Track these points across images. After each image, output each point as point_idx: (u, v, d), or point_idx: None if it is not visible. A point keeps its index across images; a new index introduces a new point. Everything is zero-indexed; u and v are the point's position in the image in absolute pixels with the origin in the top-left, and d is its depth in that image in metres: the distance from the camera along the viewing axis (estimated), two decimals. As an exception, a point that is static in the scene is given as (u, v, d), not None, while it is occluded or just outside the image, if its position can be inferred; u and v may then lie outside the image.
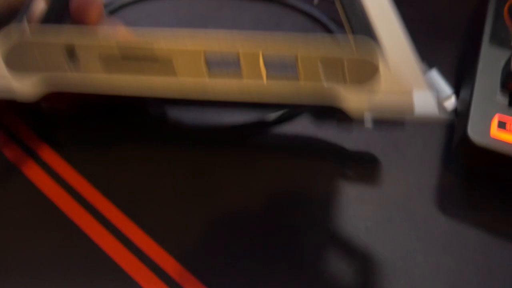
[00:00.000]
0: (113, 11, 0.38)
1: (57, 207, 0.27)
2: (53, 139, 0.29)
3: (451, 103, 0.34)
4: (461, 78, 0.36)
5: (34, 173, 0.28)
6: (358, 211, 0.29)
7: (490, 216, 0.29)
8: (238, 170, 0.29)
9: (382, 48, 0.22)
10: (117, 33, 0.29)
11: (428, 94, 0.22)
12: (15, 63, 0.20)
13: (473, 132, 0.27)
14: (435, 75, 0.35)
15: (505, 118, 0.27)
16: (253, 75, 0.21)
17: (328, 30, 0.40)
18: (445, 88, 0.34)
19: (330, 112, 0.23)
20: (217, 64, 0.21)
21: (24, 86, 0.20)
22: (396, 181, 0.30)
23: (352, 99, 0.21)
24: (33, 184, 0.27)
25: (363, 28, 0.22)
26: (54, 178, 0.28)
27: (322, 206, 0.29)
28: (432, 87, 0.33)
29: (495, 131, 0.27)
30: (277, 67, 0.21)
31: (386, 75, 0.21)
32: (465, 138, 0.27)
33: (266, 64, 0.21)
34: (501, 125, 0.27)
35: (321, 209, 0.28)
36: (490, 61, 0.31)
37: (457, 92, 0.35)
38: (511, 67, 0.29)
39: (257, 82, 0.21)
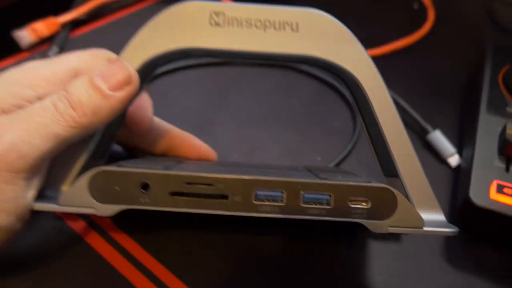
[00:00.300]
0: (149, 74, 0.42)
1: (118, 272, 0.30)
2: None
3: (454, 160, 0.38)
4: (463, 137, 0.39)
5: (96, 241, 0.31)
6: (375, 265, 0.32)
7: (494, 268, 0.32)
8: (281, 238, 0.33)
9: (402, 179, 0.28)
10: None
11: (441, 215, 0.27)
12: (98, 194, 0.25)
13: (474, 195, 0.31)
14: (439, 135, 0.39)
15: (503, 183, 0.31)
16: (293, 206, 0.25)
17: (340, 93, 0.44)
18: (449, 147, 0.39)
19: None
20: (263, 197, 0.25)
21: (103, 211, 0.25)
22: (408, 237, 0.33)
23: (374, 226, 0.25)
24: (96, 251, 0.31)
25: (390, 167, 0.28)
26: (114, 247, 0.31)
27: (341, 259, 0.32)
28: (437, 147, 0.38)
29: (494, 194, 0.31)
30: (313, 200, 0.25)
31: (403, 209, 0.25)
32: (467, 200, 0.31)
33: (304, 199, 0.25)
34: (500, 189, 0.31)
35: (340, 262, 0.32)
36: (487, 128, 0.34)
37: (460, 148, 0.39)
38: (506, 134, 0.32)
39: (296, 206, 0.25)
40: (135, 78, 0.26)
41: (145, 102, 0.31)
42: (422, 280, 0.31)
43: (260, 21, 0.28)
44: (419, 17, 0.55)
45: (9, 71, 0.28)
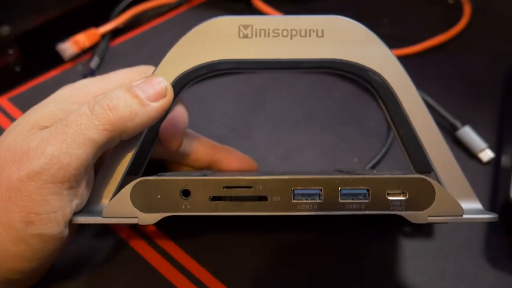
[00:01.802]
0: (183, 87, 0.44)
1: (161, 275, 0.31)
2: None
3: (485, 155, 0.38)
4: (503, 136, 0.39)
5: (141, 247, 0.32)
6: (414, 265, 0.32)
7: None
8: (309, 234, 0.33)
9: (436, 173, 0.28)
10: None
11: (477, 204, 0.28)
12: (140, 203, 0.26)
13: (515, 195, 0.31)
14: (469, 131, 0.39)
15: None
16: (332, 202, 0.26)
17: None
18: (479, 142, 0.39)
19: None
20: (302, 195, 0.26)
21: (146, 219, 0.26)
22: (447, 237, 0.33)
23: (413, 217, 0.26)
24: (141, 256, 0.32)
25: (422, 163, 0.29)
26: (158, 251, 0.32)
27: (381, 259, 0.32)
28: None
29: (535, 194, 0.30)
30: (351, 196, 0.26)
31: (441, 198, 0.25)
32: (508, 201, 0.31)
33: (342, 195, 0.26)
34: (541, 189, 0.30)
35: (379, 263, 0.32)
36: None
37: (499, 147, 0.39)
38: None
39: (334, 202, 0.26)
40: (170, 92, 0.28)
41: (178, 117, 0.32)
42: (462, 281, 0.31)
43: (287, 30, 0.29)
44: (455, 12, 0.54)
45: (62, 89, 0.30)
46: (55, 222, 0.25)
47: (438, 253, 0.33)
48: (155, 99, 0.27)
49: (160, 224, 0.33)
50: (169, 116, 0.31)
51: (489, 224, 0.34)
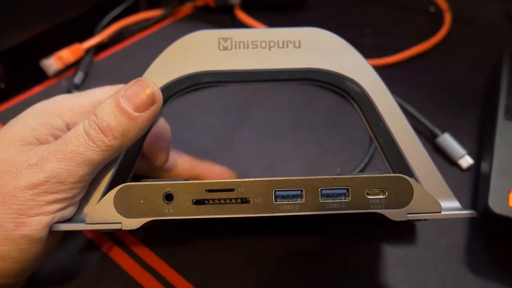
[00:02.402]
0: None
1: (142, 286, 0.32)
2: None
3: (465, 161, 0.38)
4: (482, 144, 0.40)
5: (121, 258, 0.33)
6: (396, 274, 0.32)
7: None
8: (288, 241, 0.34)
9: (415, 176, 0.29)
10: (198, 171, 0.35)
11: (455, 202, 0.29)
12: (123, 208, 0.26)
13: (494, 203, 0.31)
14: (448, 138, 0.40)
15: (522, 190, 0.31)
16: (313, 203, 0.26)
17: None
18: (459, 149, 0.39)
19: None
20: (283, 197, 0.26)
21: (129, 224, 0.26)
22: (429, 245, 0.34)
23: (393, 214, 0.26)
24: (121, 267, 0.32)
25: (402, 168, 0.30)
26: (138, 262, 0.33)
27: (363, 268, 0.33)
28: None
29: (513, 201, 0.31)
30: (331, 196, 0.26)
31: (420, 195, 0.26)
32: (487, 208, 0.31)
33: (322, 195, 0.26)
34: (518, 196, 0.31)
35: (362, 272, 0.32)
36: (506, 136, 0.34)
37: (479, 155, 0.39)
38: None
39: (315, 202, 0.26)
40: (159, 96, 0.28)
41: (162, 132, 0.33)
42: (444, 289, 0.32)
43: (265, 42, 0.30)
44: (436, 20, 0.55)
45: (39, 103, 0.30)
46: (45, 225, 0.26)
47: (420, 262, 0.33)
48: (144, 109, 0.27)
49: (143, 235, 0.34)
50: (153, 132, 0.32)
51: (470, 232, 0.34)
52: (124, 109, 0.26)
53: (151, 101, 0.27)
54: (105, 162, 0.27)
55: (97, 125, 0.26)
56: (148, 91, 0.27)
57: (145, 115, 0.27)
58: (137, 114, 0.27)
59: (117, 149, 0.27)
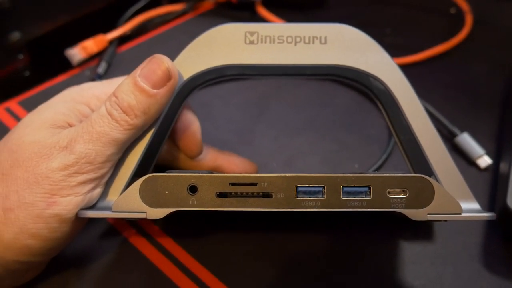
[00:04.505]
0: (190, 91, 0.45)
1: (165, 274, 0.32)
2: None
3: (483, 161, 0.38)
4: (502, 144, 0.40)
5: (145, 247, 0.33)
6: (412, 269, 0.33)
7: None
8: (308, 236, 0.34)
9: (436, 176, 0.29)
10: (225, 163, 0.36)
11: (475, 204, 0.29)
12: (148, 198, 0.27)
13: (512, 203, 0.31)
14: (467, 138, 0.40)
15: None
16: (334, 200, 0.26)
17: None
18: (477, 148, 0.39)
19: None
20: (305, 192, 0.27)
21: (154, 214, 0.27)
22: (446, 242, 0.34)
23: (413, 214, 0.26)
24: (145, 256, 0.33)
25: (422, 167, 0.30)
26: (162, 252, 0.33)
27: (380, 263, 0.33)
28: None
29: (531, 201, 0.31)
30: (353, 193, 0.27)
31: (440, 196, 0.26)
32: (505, 208, 0.31)
33: (344, 192, 0.27)
34: (537, 196, 0.31)
35: (378, 267, 0.33)
36: (525, 135, 0.35)
37: (498, 156, 0.39)
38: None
39: (336, 200, 0.27)
40: (174, 71, 0.28)
41: (193, 125, 0.33)
42: (459, 286, 0.32)
43: (291, 37, 0.30)
44: (457, 22, 0.55)
45: (67, 90, 0.31)
46: (75, 206, 0.26)
47: (437, 258, 0.33)
48: (162, 85, 0.27)
49: (164, 225, 0.34)
50: (185, 124, 0.32)
51: (487, 230, 0.34)
52: (142, 87, 0.27)
53: (167, 76, 0.28)
54: (130, 141, 0.28)
55: (118, 105, 0.27)
56: (163, 67, 0.27)
57: (163, 91, 0.28)
58: (155, 91, 0.27)
59: (140, 127, 0.28)
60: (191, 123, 0.33)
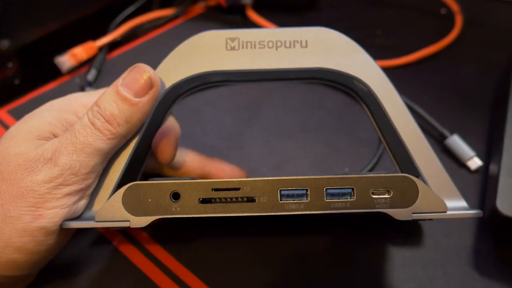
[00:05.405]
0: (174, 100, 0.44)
1: (152, 281, 0.32)
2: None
3: (473, 163, 0.38)
4: (491, 145, 0.40)
5: (133, 254, 0.33)
6: (402, 273, 0.32)
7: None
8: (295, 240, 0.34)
9: (422, 175, 0.29)
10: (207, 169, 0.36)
11: (462, 202, 0.29)
12: (131, 207, 0.27)
13: (501, 205, 0.31)
14: (457, 140, 0.40)
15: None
16: (318, 202, 0.26)
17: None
18: (467, 150, 0.39)
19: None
20: (288, 196, 0.27)
21: (137, 222, 0.27)
22: (436, 245, 0.34)
23: (398, 214, 0.26)
24: (132, 263, 0.33)
25: (409, 168, 0.30)
26: (150, 258, 0.33)
27: (370, 267, 0.33)
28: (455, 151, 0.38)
29: (521, 203, 0.31)
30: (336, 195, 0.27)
31: (425, 195, 0.26)
32: (494, 210, 0.31)
33: (327, 194, 0.26)
34: (526, 197, 0.31)
35: (368, 271, 0.33)
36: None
37: (488, 157, 0.39)
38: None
39: (320, 202, 0.26)
40: (156, 79, 0.28)
41: (169, 129, 0.33)
42: (450, 290, 0.32)
43: (272, 42, 0.30)
44: (447, 22, 0.55)
45: (55, 100, 0.31)
46: (61, 218, 0.26)
47: (427, 262, 0.33)
48: (144, 93, 0.28)
49: (153, 232, 0.34)
50: (161, 129, 0.32)
51: (477, 233, 0.34)
52: (124, 96, 0.27)
53: (149, 85, 0.28)
54: (114, 150, 0.28)
55: (101, 115, 0.27)
56: (145, 76, 0.28)
57: (145, 100, 0.28)
58: (137, 99, 0.27)
59: (123, 135, 0.28)
60: (168, 127, 0.33)
